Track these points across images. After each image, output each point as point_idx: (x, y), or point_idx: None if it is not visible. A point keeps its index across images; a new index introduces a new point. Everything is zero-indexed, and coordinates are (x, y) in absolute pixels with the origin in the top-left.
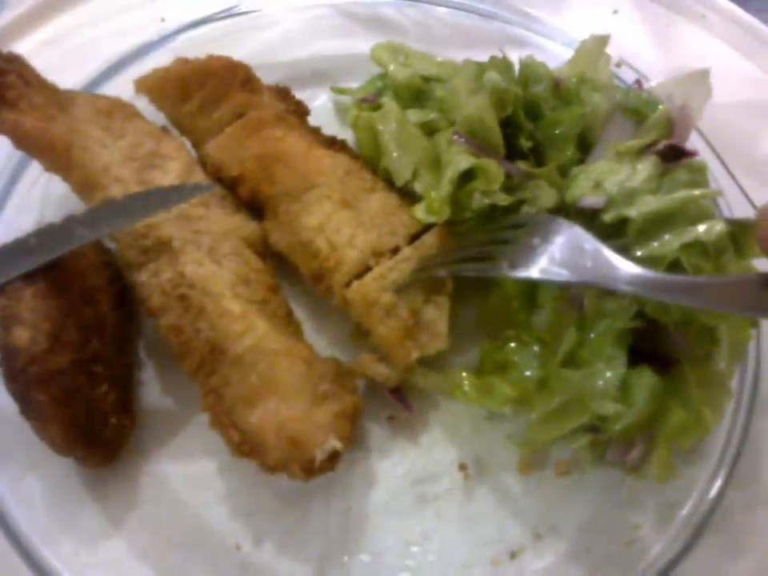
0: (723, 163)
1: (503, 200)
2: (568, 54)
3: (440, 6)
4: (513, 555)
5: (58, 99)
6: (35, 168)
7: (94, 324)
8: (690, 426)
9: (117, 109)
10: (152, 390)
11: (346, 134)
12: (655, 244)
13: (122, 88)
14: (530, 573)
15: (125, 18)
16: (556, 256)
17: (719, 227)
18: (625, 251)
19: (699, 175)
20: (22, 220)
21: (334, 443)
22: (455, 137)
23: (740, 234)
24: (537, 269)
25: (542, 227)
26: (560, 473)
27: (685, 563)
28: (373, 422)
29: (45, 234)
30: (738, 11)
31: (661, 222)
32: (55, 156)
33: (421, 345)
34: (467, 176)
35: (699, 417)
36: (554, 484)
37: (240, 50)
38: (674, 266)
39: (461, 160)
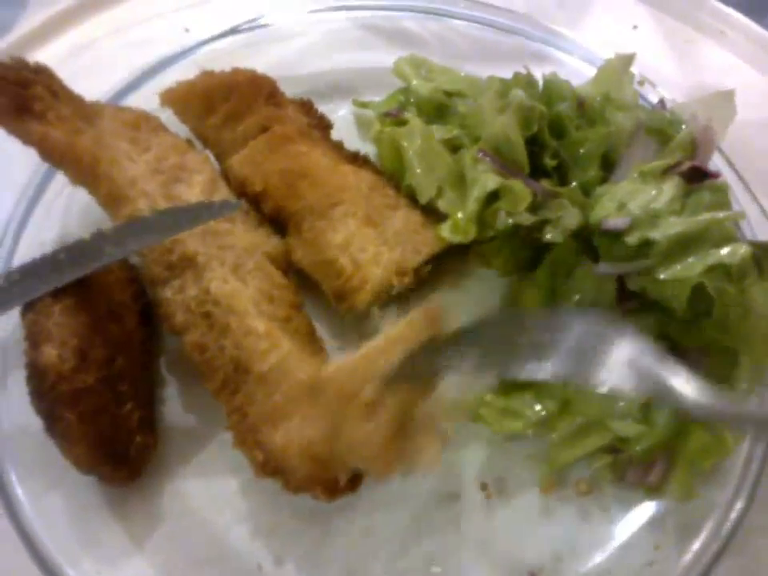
0: (744, 183)
1: (527, 220)
2: (588, 69)
3: (461, 19)
4: None
5: (84, 111)
6: (59, 181)
7: (120, 341)
8: (710, 448)
9: (142, 121)
10: (174, 407)
11: (366, 147)
12: (679, 267)
13: (146, 99)
14: None
15: (149, 29)
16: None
17: (743, 250)
18: (648, 273)
19: (722, 196)
20: (45, 231)
21: None
22: (480, 155)
23: (764, 257)
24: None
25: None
26: (580, 493)
27: None
28: None
29: (74, 251)
30: (756, 27)
31: (685, 245)
32: (82, 169)
33: (408, 460)
34: (493, 195)
35: (720, 438)
36: (574, 504)
37: (262, 62)
38: (697, 288)
39: (487, 180)
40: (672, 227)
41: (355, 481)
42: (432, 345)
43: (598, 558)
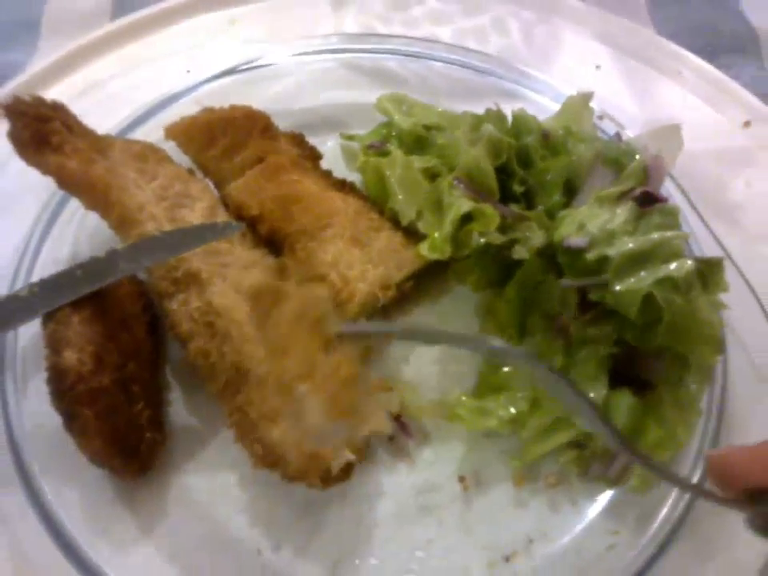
0: (694, 207)
1: (498, 239)
2: (554, 105)
3: (438, 61)
4: (507, 559)
5: (97, 144)
6: (72, 206)
7: (131, 348)
8: (665, 443)
9: (149, 153)
10: (179, 409)
11: (352, 175)
12: (632, 280)
13: (152, 132)
14: (522, 573)
15: (153, 69)
16: None
17: (688, 264)
18: (606, 286)
19: (671, 218)
20: (59, 251)
21: (348, 456)
22: (455, 182)
23: (707, 271)
24: None
25: None
26: (549, 484)
27: (659, 565)
28: (379, 441)
29: (90, 267)
30: (709, 68)
31: (637, 260)
32: (95, 196)
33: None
34: (466, 218)
35: (673, 434)
36: (544, 495)
37: (257, 99)
38: (648, 298)
39: (461, 204)
40: (625, 245)
41: (347, 470)
42: None
43: (565, 541)
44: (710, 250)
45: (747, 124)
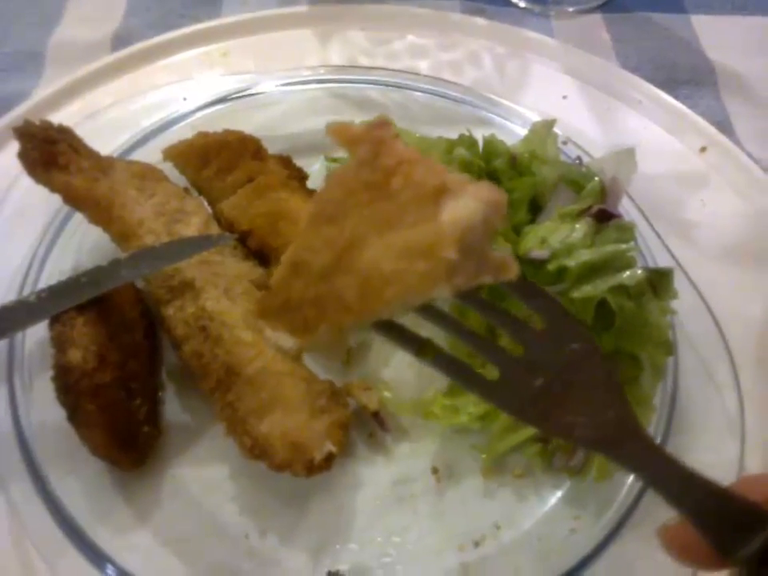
0: (650, 224)
1: None
2: (524, 132)
3: (417, 91)
4: (477, 543)
5: (100, 164)
6: (74, 221)
7: (130, 349)
8: None
9: (148, 173)
10: (173, 407)
11: None
12: (588, 287)
13: (150, 155)
14: (490, 556)
15: (152, 97)
16: None
17: (639, 273)
18: (565, 294)
19: (627, 233)
20: (63, 263)
21: (330, 447)
22: None
23: (657, 280)
24: None
25: None
26: (516, 476)
27: (614, 547)
28: (360, 435)
29: (94, 274)
30: (668, 98)
31: (593, 270)
32: (99, 211)
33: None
34: None
35: None
36: (511, 485)
37: (248, 124)
38: (601, 304)
39: None
40: (583, 257)
41: (329, 459)
42: None
43: (530, 527)
44: (665, 262)
45: (703, 149)
